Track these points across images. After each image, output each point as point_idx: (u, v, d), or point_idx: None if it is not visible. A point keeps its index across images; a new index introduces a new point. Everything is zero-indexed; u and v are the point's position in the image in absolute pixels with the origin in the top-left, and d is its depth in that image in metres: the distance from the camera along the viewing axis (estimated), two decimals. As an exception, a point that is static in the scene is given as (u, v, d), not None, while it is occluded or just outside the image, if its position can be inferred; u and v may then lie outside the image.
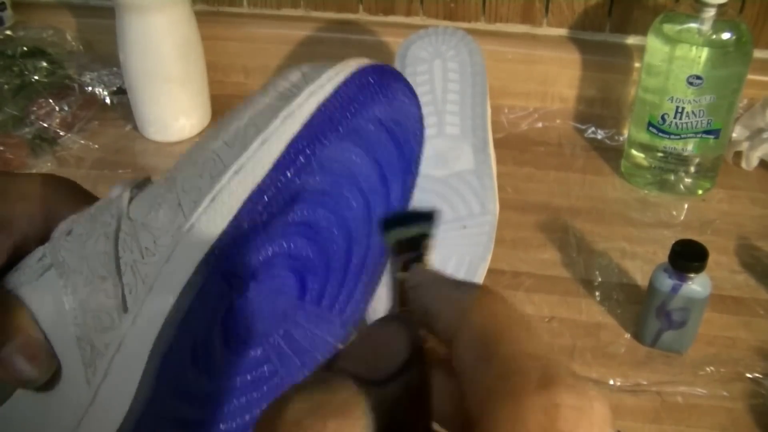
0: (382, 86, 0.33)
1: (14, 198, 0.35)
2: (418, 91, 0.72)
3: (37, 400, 0.31)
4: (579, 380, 0.19)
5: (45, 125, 0.85)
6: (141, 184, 0.34)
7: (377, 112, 0.33)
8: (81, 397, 0.31)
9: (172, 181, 0.32)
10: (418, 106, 0.35)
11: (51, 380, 0.31)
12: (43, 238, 0.34)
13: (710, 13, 0.69)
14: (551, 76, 0.86)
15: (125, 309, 0.31)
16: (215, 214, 0.30)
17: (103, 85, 0.89)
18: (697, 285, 0.57)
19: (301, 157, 0.31)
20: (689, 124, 0.73)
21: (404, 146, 0.35)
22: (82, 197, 0.36)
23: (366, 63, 0.33)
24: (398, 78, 0.34)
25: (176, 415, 0.32)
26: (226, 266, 0.31)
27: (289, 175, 0.31)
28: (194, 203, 0.31)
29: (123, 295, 0.31)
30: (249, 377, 0.35)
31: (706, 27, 0.70)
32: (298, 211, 0.32)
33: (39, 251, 0.33)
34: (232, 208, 0.30)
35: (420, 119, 0.36)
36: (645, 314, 0.60)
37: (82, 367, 0.31)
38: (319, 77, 0.33)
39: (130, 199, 0.33)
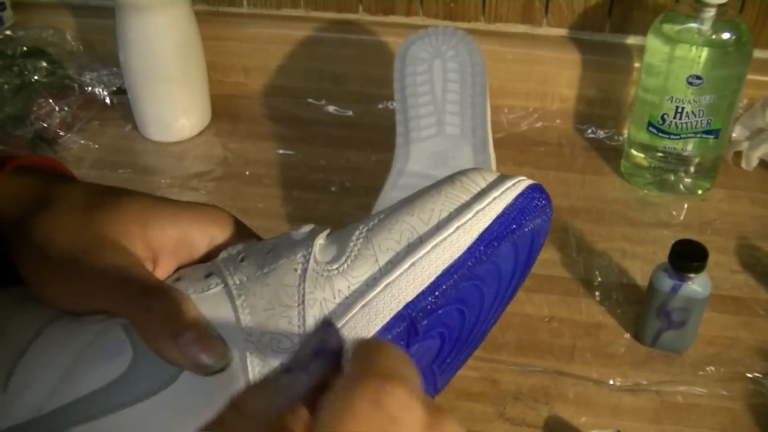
0: (546, 206, 0.41)
1: (189, 221, 0.40)
2: (418, 91, 0.73)
3: (200, 386, 0.35)
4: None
5: (45, 125, 0.85)
6: (323, 232, 0.40)
7: (534, 225, 0.40)
8: None
9: (366, 240, 0.39)
10: (550, 222, 0.43)
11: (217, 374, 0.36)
12: (203, 259, 0.40)
13: (710, 13, 0.69)
14: (551, 76, 0.86)
15: None
16: (413, 280, 0.38)
17: (103, 85, 0.89)
18: (697, 285, 0.57)
19: (485, 248, 0.39)
20: (689, 124, 0.73)
21: (534, 254, 0.43)
22: (241, 228, 0.42)
23: (534, 182, 0.41)
24: (550, 203, 0.41)
25: None
26: (411, 323, 0.38)
27: (474, 260, 0.38)
28: (391, 264, 0.38)
29: (305, 324, 0.37)
30: None
31: (706, 27, 0.70)
32: (463, 288, 0.39)
33: (203, 268, 0.39)
34: (429, 276, 0.38)
35: (546, 235, 0.43)
36: (645, 314, 0.60)
37: (242, 376, 0.36)
38: (502, 184, 0.40)
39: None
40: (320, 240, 0.39)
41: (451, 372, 0.46)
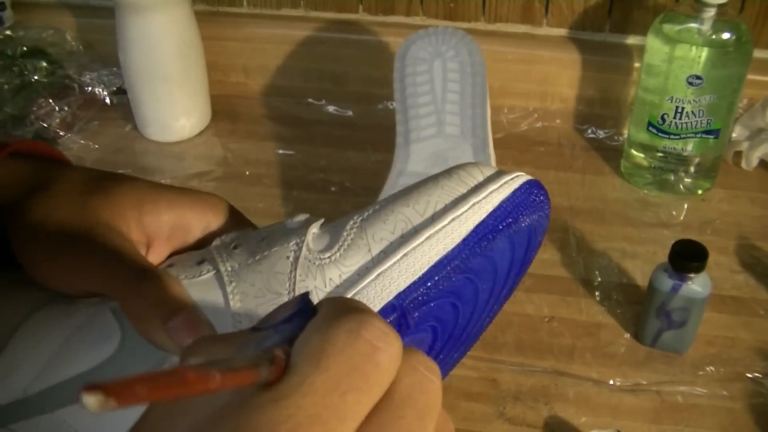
0: (544, 203, 0.40)
1: (185, 208, 0.40)
2: (418, 91, 0.73)
3: None
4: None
5: (45, 125, 0.85)
6: (318, 222, 0.40)
7: (531, 221, 0.40)
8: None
9: (361, 230, 0.39)
10: (548, 220, 0.42)
11: None
12: (197, 246, 0.40)
13: (710, 13, 0.69)
14: (551, 76, 0.86)
15: None
16: (404, 270, 0.37)
17: (103, 85, 0.89)
18: (697, 285, 0.57)
19: (480, 241, 0.38)
20: (689, 124, 0.73)
21: (531, 252, 0.42)
22: (237, 216, 0.42)
23: (532, 178, 0.40)
24: (548, 199, 0.41)
25: None
26: (402, 314, 0.38)
27: (468, 252, 0.38)
28: (384, 254, 0.38)
29: None
30: None
31: (706, 27, 0.70)
32: (457, 281, 0.39)
33: (195, 255, 0.39)
34: (422, 267, 0.37)
35: (544, 233, 0.43)
36: (645, 314, 0.60)
37: None
38: (499, 178, 0.39)
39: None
40: (314, 229, 0.39)
41: (443, 371, 0.46)
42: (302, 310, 0.24)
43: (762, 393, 0.58)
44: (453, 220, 0.38)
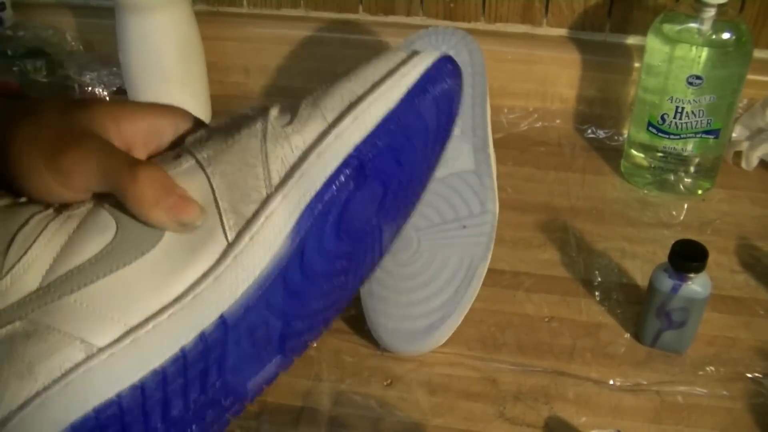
0: (456, 70, 0.49)
1: (156, 115, 0.46)
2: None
3: (181, 244, 0.41)
4: None
5: (45, 125, 0.85)
6: (276, 106, 0.47)
7: (449, 85, 0.47)
8: (218, 250, 0.41)
9: (314, 105, 0.46)
10: (462, 90, 0.50)
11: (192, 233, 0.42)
12: (170, 148, 0.46)
13: (710, 13, 0.69)
14: (551, 76, 0.86)
15: (273, 188, 0.43)
16: (357, 128, 0.44)
17: (103, 85, 0.89)
18: (697, 285, 0.57)
19: (414, 99, 0.46)
20: (689, 124, 0.73)
21: (452, 115, 0.50)
22: (200, 121, 0.48)
23: (446, 54, 0.48)
24: (460, 70, 0.49)
25: (287, 281, 0.43)
26: (361, 165, 0.44)
27: (403, 109, 0.45)
28: (338, 119, 0.44)
29: (270, 177, 0.43)
30: (337, 265, 0.47)
31: (706, 27, 0.70)
32: (398, 138, 0.46)
33: (172, 153, 0.45)
34: (371, 124, 0.44)
35: (460, 101, 0.51)
36: (645, 314, 0.60)
37: (221, 228, 0.42)
38: (420, 54, 0.47)
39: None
40: (274, 111, 0.46)
41: (391, 229, 0.51)
42: None
43: (762, 393, 0.58)
44: (390, 86, 0.45)
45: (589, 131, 0.86)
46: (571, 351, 0.61)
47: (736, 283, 0.67)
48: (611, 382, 0.59)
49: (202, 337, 0.41)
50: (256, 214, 0.42)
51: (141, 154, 0.45)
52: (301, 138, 0.44)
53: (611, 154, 0.83)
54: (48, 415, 0.38)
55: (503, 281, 0.67)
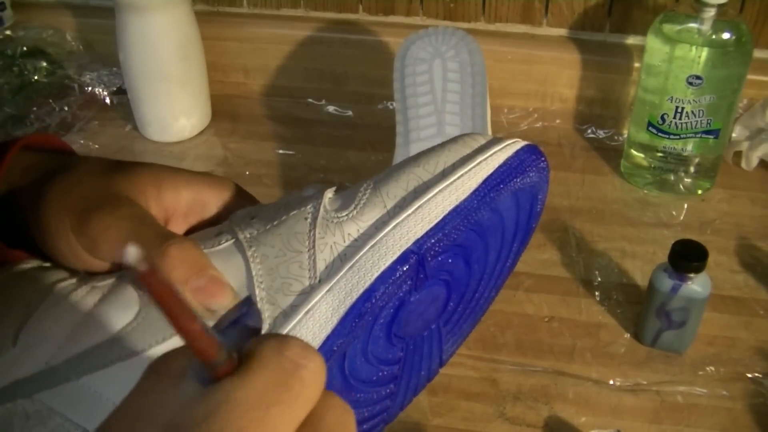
0: (544, 164, 0.43)
1: (202, 186, 0.42)
2: (418, 91, 0.73)
3: None
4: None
5: (45, 125, 0.85)
6: (332, 188, 0.42)
7: (533, 180, 0.42)
8: None
9: (375, 190, 0.40)
10: (548, 185, 0.45)
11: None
12: (213, 224, 0.42)
13: (710, 13, 0.69)
14: (551, 76, 0.86)
15: (317, 279, 0.38)
16: (420, 220, 0.39)
17: (103, 85, 0.89)
18: (697, 285, 0.57)
19: (488, 193, 0.40)
20: (689, 124, 0.73)
21: (534, 216, 0.45)
22: (250, 197, 0.44)
23: (531, 143, 0.43)
24: (547, 163, 0.43)
25: (328, 381, 0.39)
26: (421, 262, 0.39)
27: (476, 203, 0.40)
28: (399, 207, 0.39)
29: (315, 267, 0.38)
30: (386, 372, 0.42)
31: (706, 27, 0.70)
32: (468, 235, 0.40)
33: (213, 229, 0.41)
34: (436, 216, 0.39)
35: (545, 197, 0.45)
36: (645, 314, 0.60)
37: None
38: (501, 142, 0.42)
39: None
40: (329, 194, 0.41)
41: (455, 337, 0.46)
42: (247, 317, 0.26)
43: (762, 393, 0.58)
44: (462, 175, 0.40)
45: (589, 131, 0.86)
46: (571, 351, 0.61)
47: (736, 283, 0.67)
48: (611, 382, 0.59)
49: None
50: (294, 308, 0.38)
51: (180, 225, 0.41)
52: (355, 226, 0.39)
53: (611, 154, 0.83)
54: None
55: (503, 281, 0.67)
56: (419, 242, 0.39)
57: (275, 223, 0.40)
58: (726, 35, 0.70)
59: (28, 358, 0.36)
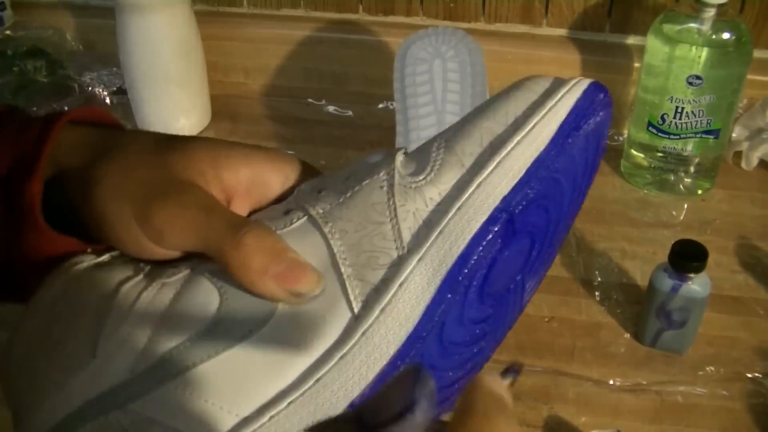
0: (609, 101, 0.41)
1: (261, 162, 0.40)
2: (418, 91, 0.73)
3: (297, 319, 0.35)
4: None
5: (45, 125, 0.85)
6: (400, 151, 0.40)
7: (601, 118, 0.41)
8: (342, 325, 0.35)
9: (449, 149, 0.38)
10: (611, 120, 0.43)
11: (311, 304, 0.35)
12: (277, 201, 0.40)
13: (710, 13, 0.69)
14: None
15: (405, 249, 0.36)
16: (503, 176, 0.37)
17: (103, 85, 0.89)
18: (697, 285, 0.57)
19: (567, 139, 0.39)
20: (689, 124, 0.73)
21: (600, 151, 0.44)
22: (313, 169, 0.42)
23: (595, 80, 0.41)
24: (611, 98, 0.42)
25: (424, 357, 0.37)
26: (510, 219, 0.38)
27: (554, 152, 0.38)
28: (479, 165, 0.37)
29: (401, 237, 0.36)
30: (477, 331, 0.41)
31: (706, 27, 0.70)
32: (548, 182, 0.39)
33: (280, 207, 0.38)
34: (519, 170, 0.37)
35: (608, 132, 0.44)
36: (645, 314, 0.60)
37: (344, 298, 0.35)
38: (567, 83, 0.40)
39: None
40: (399, 157, 0.39)
41: (534, 282, 0.45)
42: (420, 394, 0.22)
43: (762, 393, 0.58)
44: (536, 124, 0.38)
45: (589, 131, 0.86)
46: (571, 351, 0.61)
47: (736, 283, 0.67)
48: (611, 382, 0.59)
49: None
50: (386, 282, 0.35)
51: (243, 205, 0.39)
52: (436, 189, 0.37)
53: (611, 154, 0.83)
54: None
55: (503, 281, 0.67)
56: (506, 199, 0.37)
57: (348, 195, 0.38)
58: (726, 35, 0.70)
59: (111, 367, 0.34)
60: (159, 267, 0.37)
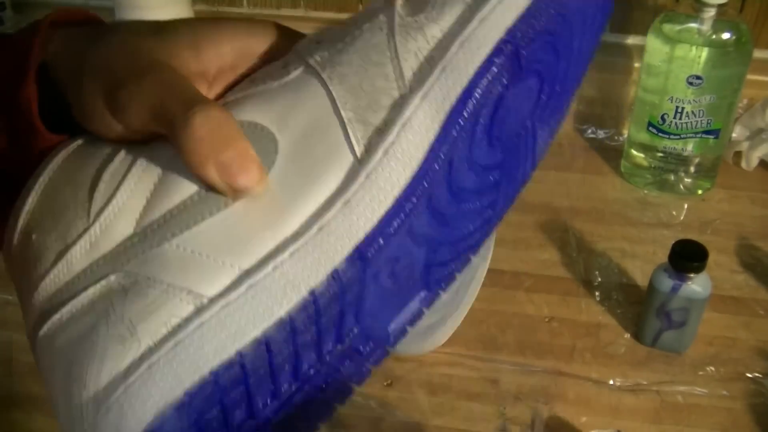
0: None
1: (246, 36, 0.39)
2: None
3: (297, 167, 0.35)
4: None
5: (45, 125, 0.85)
6: None
7: None
8: (344, 169, 0.34)
9: None
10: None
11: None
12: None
13: (710, 13, 0.69)
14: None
15: (407, 88, 0.35)
16: (507, 8, 0.35)
17: (103, 85, 0.89)
18: (697, 285, 0.57)
19: None
20: (689, 124, 0.73)
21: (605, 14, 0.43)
22: (298, 34, 0.40)
23: None
24: None
25: (432, 200, 0.36)
26: (516, 52, 0.36)
27: None
28: (482, 1, 0.35)
29: (402, 76, 0.35)
30: (489, 178, 0.39)
31: (706, 27, 0.70)
32: (556, 20, 0.38)
33: (278, 63, 0.37)
34: (522, 3, 0.35)
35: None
36: (645, 314, 0.60)
37: (345, 142, 0.34)
38: None
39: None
40: (399, 0, 0.38)
41: (545, 134, 0.44)
42: None
43: (762, 393, 0.58)
44: None
45: (589, 131, 0.86)
46: (571, 351, 0.61)
47: (736, 283, 0.67)
48: (611, 382, 0.59)
49: (335, 276, 0.34)
50: (388, 122, 0.35)
51: (230, 78, 0.39)
52: (437, 26, 0.36)
53: (611, 154, 0.83)
54: (157, 382, 0.32)
55: (503, 281, 0.67)
56: (511, 31, 0.36)
57: (347, 40, 0.36)
58: (726, 35, 0.70)
59: (110, 232, 0.34)
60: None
